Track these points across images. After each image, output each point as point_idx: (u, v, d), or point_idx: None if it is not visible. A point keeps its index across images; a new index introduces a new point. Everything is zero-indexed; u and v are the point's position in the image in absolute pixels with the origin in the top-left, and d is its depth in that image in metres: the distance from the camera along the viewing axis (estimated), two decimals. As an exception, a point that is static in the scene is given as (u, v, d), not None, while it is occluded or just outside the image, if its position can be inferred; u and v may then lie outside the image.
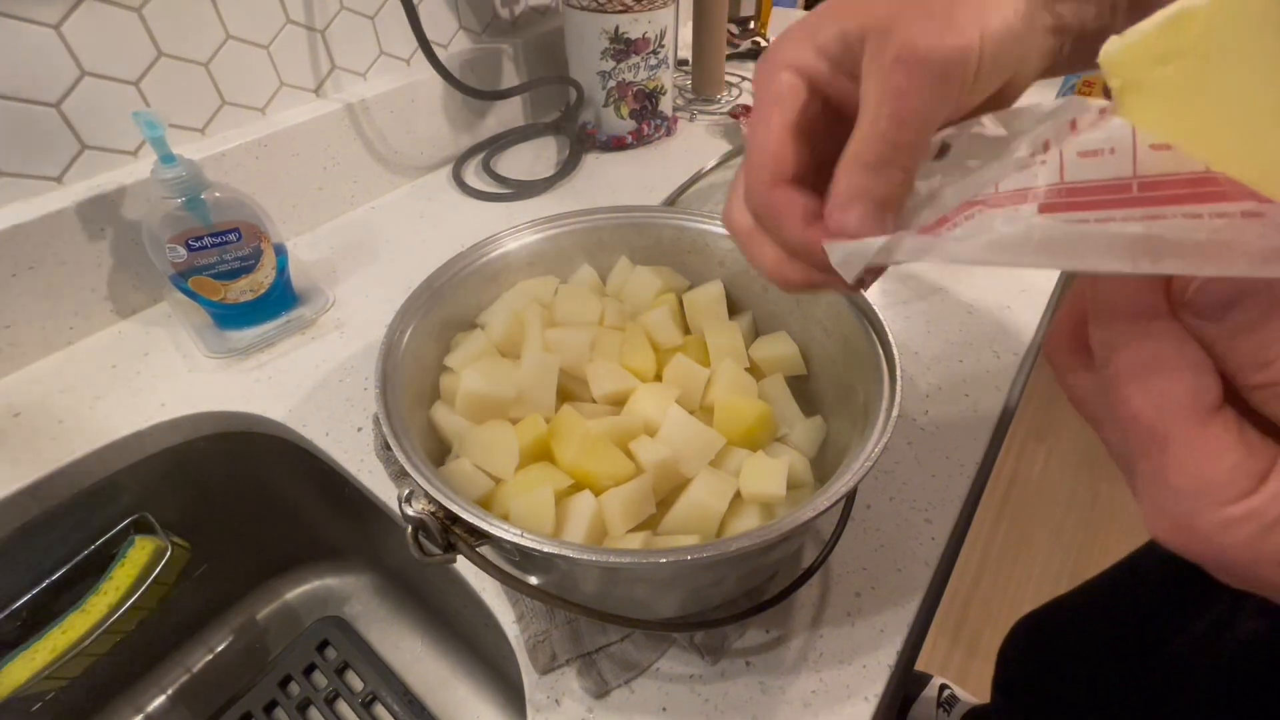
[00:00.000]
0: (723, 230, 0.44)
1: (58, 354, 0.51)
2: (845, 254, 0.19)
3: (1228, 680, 0.45)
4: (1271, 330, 0.13)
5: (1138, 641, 0.55)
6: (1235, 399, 0.14)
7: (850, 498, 0.38)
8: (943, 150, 0.20)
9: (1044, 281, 0.59)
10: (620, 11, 0.69)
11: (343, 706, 0.55)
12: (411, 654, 0.58)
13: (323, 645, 0.58)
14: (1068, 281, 0.61)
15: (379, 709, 0.55)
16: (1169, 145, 0.13)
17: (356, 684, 0.56)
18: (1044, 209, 0.15)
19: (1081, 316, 0.17)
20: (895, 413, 0.30)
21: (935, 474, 0.43)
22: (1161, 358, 0.14)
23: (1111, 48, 0.14)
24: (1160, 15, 0.14)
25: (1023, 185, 0.15)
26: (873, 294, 0.58)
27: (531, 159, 0.77)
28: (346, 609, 0.62)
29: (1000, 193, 0.15)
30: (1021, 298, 0.57)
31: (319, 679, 0.57)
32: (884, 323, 0.35)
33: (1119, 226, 0.13)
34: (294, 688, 0.56)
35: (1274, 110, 0.13)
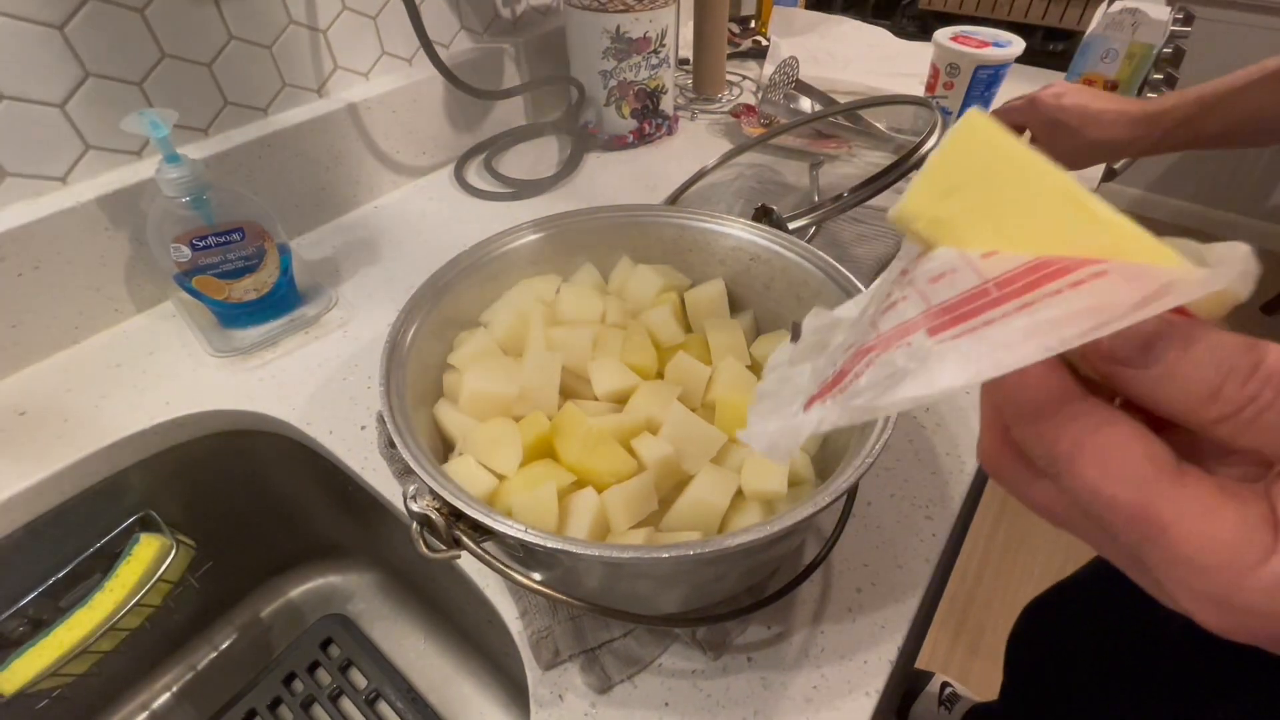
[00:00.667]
0: (723, 229, 0.44)
1: (63, 353, 0.51)
2: (769, 443, 0.19)
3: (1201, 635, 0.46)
4: (1200, 357, 0.13)
5: (1139, 614, 0.56)
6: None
7: (851, 494, 0.39)
8: (795, 331, 0.22)
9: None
10: (621, 11, 0.69)
11: (346, 704, 0.55)
12: (415, 651, 0.59)
13: (326, 643, 0.59)
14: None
15: (383, 706, 0.55)
16: (994, 251, 0.15)
17: (360, 681, 0.56)
18: (932, 331, 0.15)
19: (1005, 428, 0.16)
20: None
21: (936, 471, 0.43)
22: (1104, 436, 0.14)
23: (897, 210, 0.17)
24: (925, 167, 0.17)
25: (899, 321, 0.16)
26: (873, 292, 0.58)
27: (533, 158, 0.78)
28: (350, 606, 0.62)
29: (883, 333, 0.16)
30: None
31: (323, 676, 0.57)
32: (884, 320, 0.35)
33: (1010, 321, 0.14)
34: (298, 685, 0.56)
35: (1037, 196, 0.15)
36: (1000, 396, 0.16)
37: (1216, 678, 0.46)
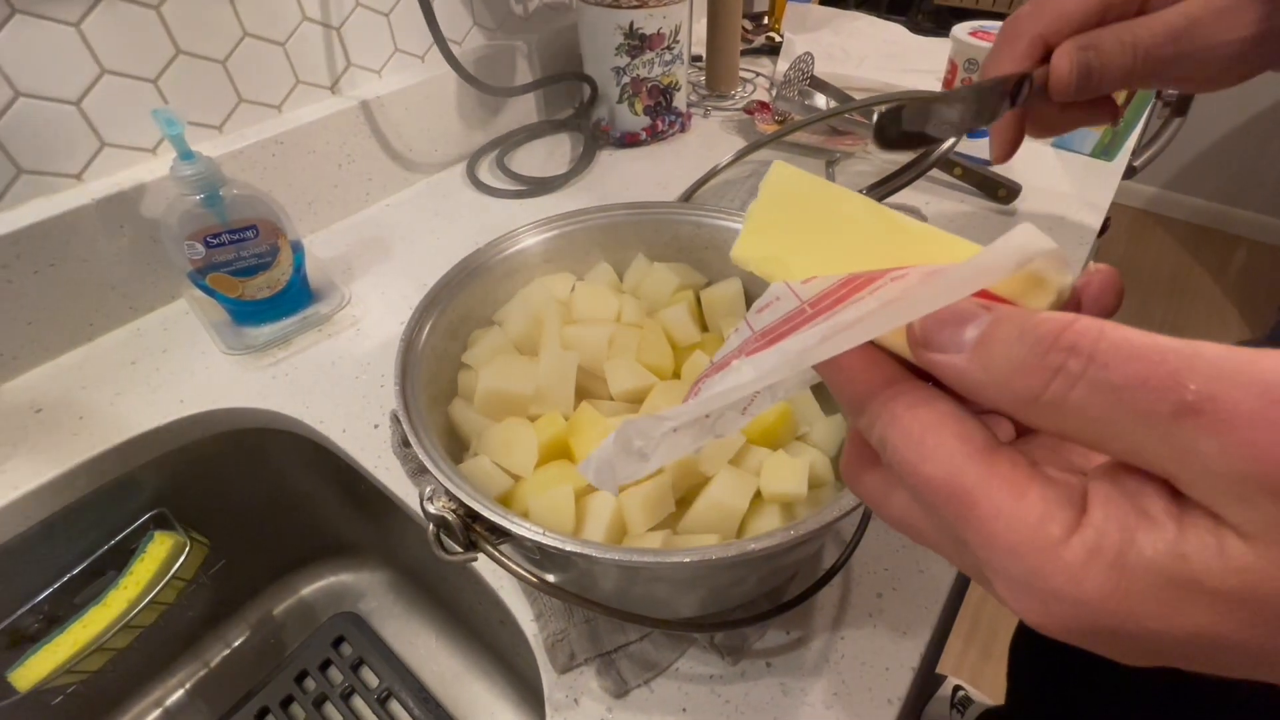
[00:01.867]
0: (740, 226, 0.44)
1: (78, 350, 0.52)
2: (595, 472, 0.20)
3: None
4: (1005, 335, 0.13)
5: None
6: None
7: (871, 497, 0.38)
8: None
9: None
10: (635, 7, 0.68)
11: (358, 702, 0.55)
12: (426, 650, 0.59)
13: (338, 641, 0.58)
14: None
15: (394, 705, 0.55)
16: (813, 276, 0.17)
17: (372, 680, 0.56)
18: (748, 354, 0.18)
19: (862, 439, 0.17)
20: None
21: (957, 474, 0.42)
22: (917, 415, 0.14)
23: (733, 254, 0.20)
24: (748, 214, 0.20)
25: (725, 352, 0.19)
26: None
27: (546, 156, 0.77)
28: (362, 605, 0.62)
29: (714, 362, 0.19)
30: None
31: (334, 675, 0.57)
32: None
33: (809, 329, 0.16)
34: (310, 683, 0.56)
35: (846, 222, 0.18)
36: (835, 392, 0.16)
37: (1214, 679, 0.45)
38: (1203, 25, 0.24)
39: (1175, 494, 0.12)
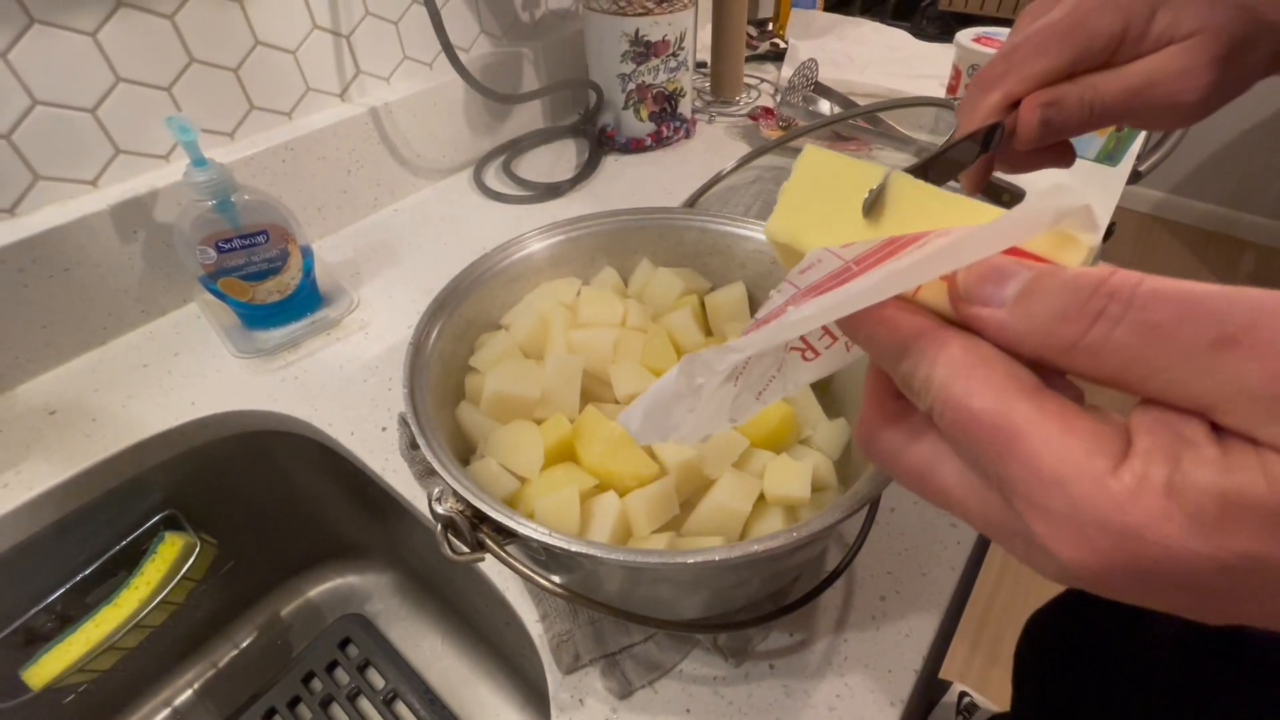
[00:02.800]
0: (745, 232, 0.44)
1: (92, 353, 0.52)
2: (645, 415, 0.20)
3: (1188, 639, 0.47)
4: (1047, 286, 0.14)
5: (1119, 622, 0.56)
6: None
7: (875, 501, 0.38)
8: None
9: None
10: (641, 14, 0.69)
11: (364, 703, 0.56)
12: (432, 652, 0.59)
13: (345, 642, 0.59)
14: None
15: (400, 706, 0.55)
16: (852, 241, 0.18)
17: (378, 681, 0.57)
18: (797, 304, 0.18)
19: (883, 399, 0.18)
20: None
21: (960, 478, 0.43)
22: (969, 355, 0.14)
23: (767, 229, 0.21)
24: (782, 192, 0.21)
25: (770, 309, 0.19)
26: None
27: (551, 161, 0.78)
28: (368, 607, 0.62)
29: (755, 320, 0.19)
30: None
31: (341, 676, 0.57)
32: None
33: (863, 278, 0.16)
34: (316, 684, 0.57)
35: (845, 204, 0.19)
36: (874, 348, 0.17)
37: (1206, 683, 0.45)
38: (1159, 85, 0.26)
39: (1214, 426, 0.12)
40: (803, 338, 0.20)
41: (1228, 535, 0.11)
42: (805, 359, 0.21)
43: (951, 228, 0.16)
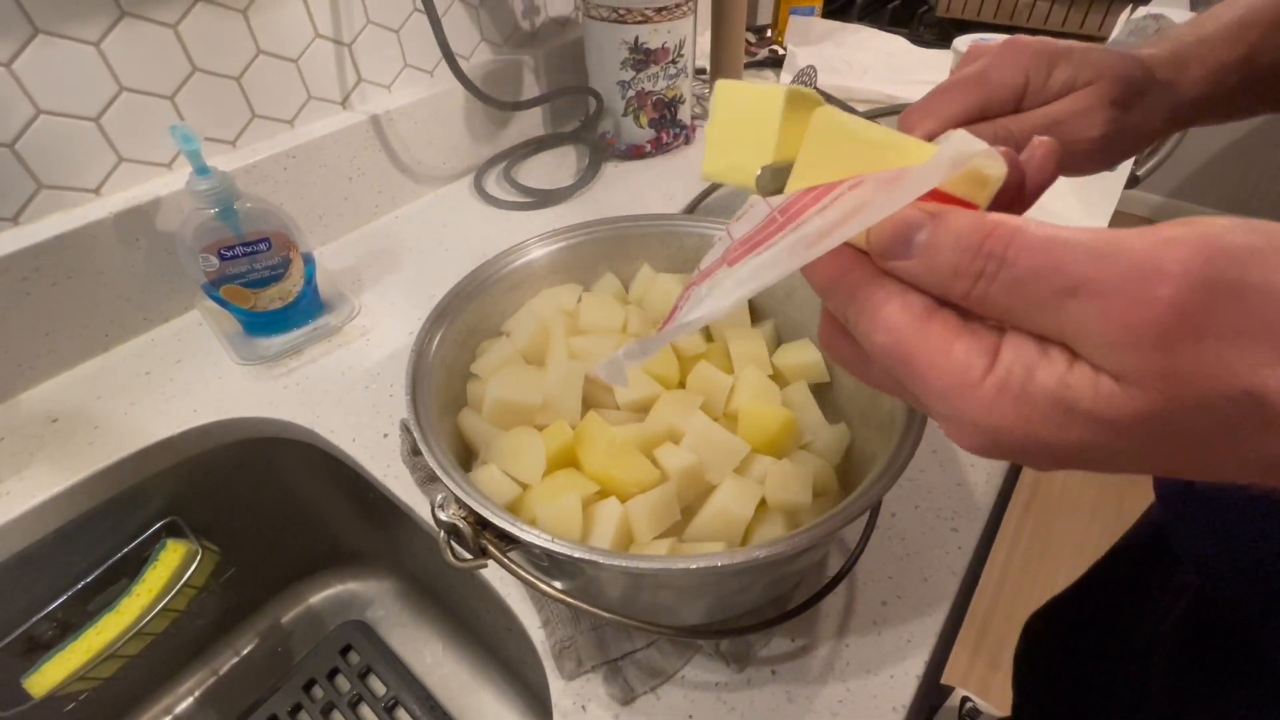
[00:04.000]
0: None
1: (94, 361, 0.52)
2: (605, 370, 0.22)
3: (1186, 638, 0.48)
4: (941, 240, 0.16)
5: (1117, 622, 0.56)
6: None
7: (876, 506, 0.38)
8: None
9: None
10: (640, 22, 0.69)
11: (366, 710, 0.56)
12: (434, 658, 0.59)
13: (346, 649, 0.59)
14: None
15: (401, 713, 0.55)
16: (781, 191, 0.20)
17: (379, 688, 0.57)
18: (730, 262, 0.20)
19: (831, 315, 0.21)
20: (925, 419, 0.30)
21: (961, 482, 0.43)
22: (868, 295, 0.18)
23: (705, 171, 0.23)
24: (707, 134, 0.22)
25: (710, 261, 0.22)
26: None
27: (552, 168, 0.78)
28: (369, 613, 0.62)
29: (699, 272, 0.21)
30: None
31: (342, 683, 0.57)
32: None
33: (779, 241, 0.18)
34: (318, 691, 0.57)
35: (765, 132, 0.20)
36: (810, 282, 0.19)
37: (1205, 681, 0.46)
38: (1062, 124, 0.29)
39: (1072, 354, 0.15)
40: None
41: (1067, 431, 0.15)
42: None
43: (864, 174, 0.18)
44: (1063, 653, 0.67)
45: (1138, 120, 0.31)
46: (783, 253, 0.18)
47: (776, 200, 0.20)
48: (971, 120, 0.30)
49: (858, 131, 0.19)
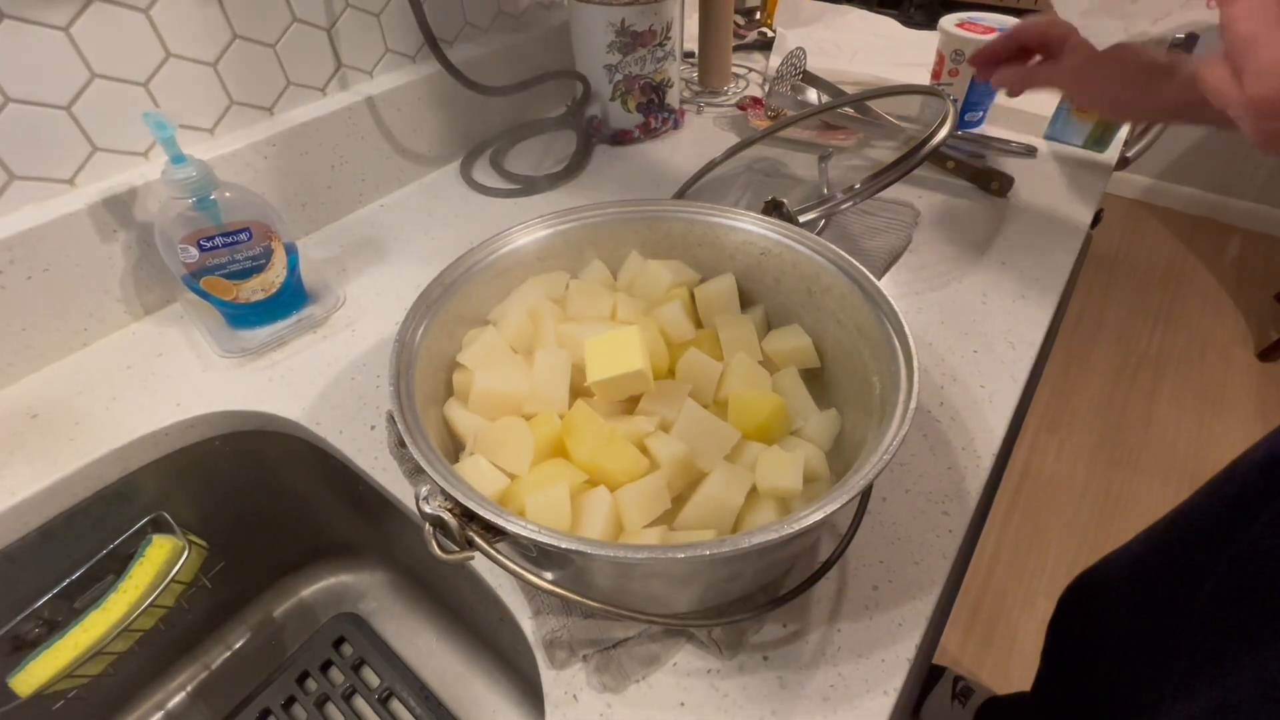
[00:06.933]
0: (733, 223, 0.44)
1: (73, 356, 0.52)
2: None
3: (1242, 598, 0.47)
4: None
5: (1171, 591, 0.56)
6: None
7: (866, 491, 0.38)
8: None
9: (1055, 279, 0.58)
10: (626, 4, 0.68)
11: (360, 702, 0.55)
12: (427, 650, 0.59)
13: (339, 642, 0.59)
14: (1071, 278, 0.60)
15: (395, 705, 0.55)
16: None
17: (373, 680, 0.57)
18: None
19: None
20: (913, 405, 0.30)
21: (952, 466, 0.43)
22: None
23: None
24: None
25: None
26: (886, 284, 0.57)
27: (539, 154, 0.77)
28: (362, 606, 0.62)
29: None
30: (1035, 286, 0.56)
31: (336, 675, 0.57)
32: (899, 313, 0.35)
33: None
34: (311, 684, 0.56)
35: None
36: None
37: (1242, 633, 0.46)
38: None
39: None
40: None
41: None
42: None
43: None
44: (1105, 621, 0.66)
45: (1154, 83, 0.45)
46: None
47: None
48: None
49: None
